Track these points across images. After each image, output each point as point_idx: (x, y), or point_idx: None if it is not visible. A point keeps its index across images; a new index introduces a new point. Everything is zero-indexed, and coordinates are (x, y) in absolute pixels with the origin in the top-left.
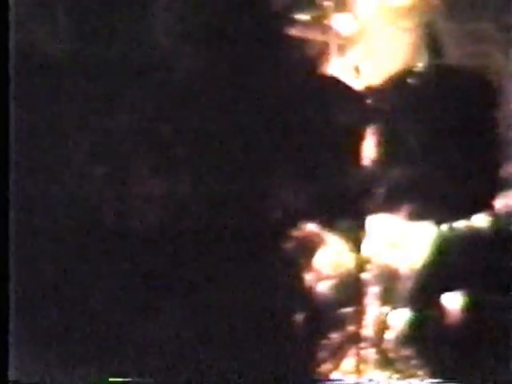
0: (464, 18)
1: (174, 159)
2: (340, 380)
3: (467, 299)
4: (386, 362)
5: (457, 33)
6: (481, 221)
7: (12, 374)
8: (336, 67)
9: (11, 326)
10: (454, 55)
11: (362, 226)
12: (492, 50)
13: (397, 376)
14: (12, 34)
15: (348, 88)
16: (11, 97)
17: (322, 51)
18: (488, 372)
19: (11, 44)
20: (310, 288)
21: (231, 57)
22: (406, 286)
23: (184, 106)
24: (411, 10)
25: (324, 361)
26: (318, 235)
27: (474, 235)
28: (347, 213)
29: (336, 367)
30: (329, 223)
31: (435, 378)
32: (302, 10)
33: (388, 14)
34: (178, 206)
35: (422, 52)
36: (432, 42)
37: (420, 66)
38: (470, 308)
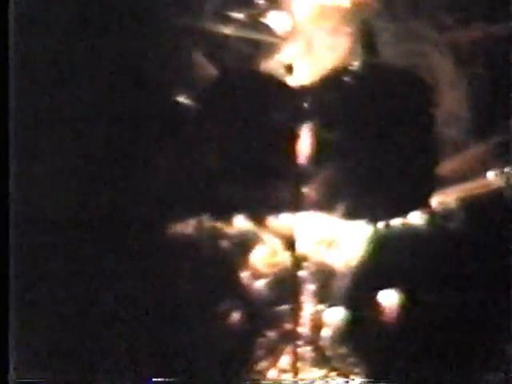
0: (399, 16)
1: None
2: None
3: (403, 297)
4: (322, 359)
5: (392, 31)
6: (417, 218)
7: (12, 374)
8: (270, 65)
9: (11, 325)
10: (390, 54)
11: (295, 225)
12: (427, 49)
13: (333, 374)
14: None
15: (282, 86)
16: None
17: (257, 49)
18: (423, 370)
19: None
20: (246, 286)
21: (162, 54)
22: (342, 284)
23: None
24: (347, 8)
25: (260, 359)
26: (252, 233)
27: (411, 233)
28: (280, 211)
29: (272, 365)
30: (263, 221)
31: (371, 376)
32: (236, 8)
33: (324, 12)
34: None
35: (357, 51)
36: (367, 41)
37: (355, 64)
38: (406, 306)
